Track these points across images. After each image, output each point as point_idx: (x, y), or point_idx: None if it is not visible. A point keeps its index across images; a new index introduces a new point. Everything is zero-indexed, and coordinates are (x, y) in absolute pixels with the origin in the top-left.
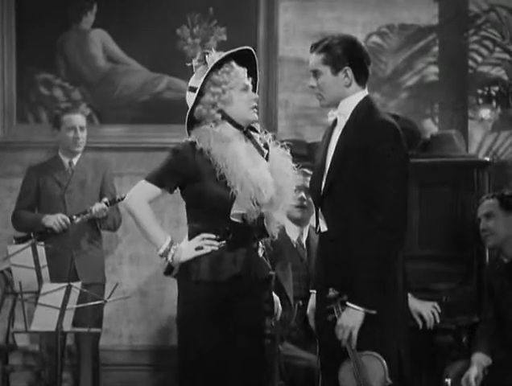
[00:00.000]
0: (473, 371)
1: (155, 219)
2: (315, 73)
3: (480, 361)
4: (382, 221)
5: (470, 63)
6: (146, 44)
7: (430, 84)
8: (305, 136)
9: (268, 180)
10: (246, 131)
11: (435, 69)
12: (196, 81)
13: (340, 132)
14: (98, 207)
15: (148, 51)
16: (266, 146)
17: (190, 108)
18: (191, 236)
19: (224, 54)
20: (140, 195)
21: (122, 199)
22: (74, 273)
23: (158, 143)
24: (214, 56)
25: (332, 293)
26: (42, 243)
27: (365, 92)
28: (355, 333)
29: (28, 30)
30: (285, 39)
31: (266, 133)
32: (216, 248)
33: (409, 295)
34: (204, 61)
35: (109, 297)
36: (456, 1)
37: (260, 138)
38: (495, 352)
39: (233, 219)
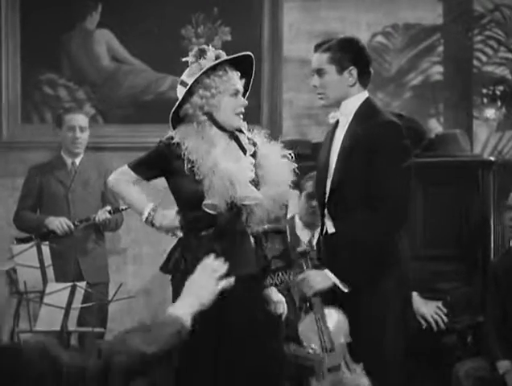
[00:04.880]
0: None
1: (138, 191)
2: (320, 72)
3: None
4: (382, 213)
5: (475, 62)
6: (151, 44)
7: (434, 83)
8: (310, 136)
9: (245, 175)
10: (232, 132)
11: (439, 69)
12: (187, 77)
13: (343, 133)
14: (102, 217)
15: (152, 51)
16: (255, 144)
17: (177, 104)
18: (183, 227)
19: (219, 60)
20: (120, 176)
21: (127, 208)
22: (79, 273)
23: None
24: (211, 55)
25: (301, 247)
26: (46, 242)
27: (365, 94)
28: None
29: (33, 29)
30: (289, 39)
31: (254, 131)
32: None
33: (415, 294)
34: (198, 57)
35: (113, 297)
36: (460, 0)
37: (248, 138)
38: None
39: (205, 209)
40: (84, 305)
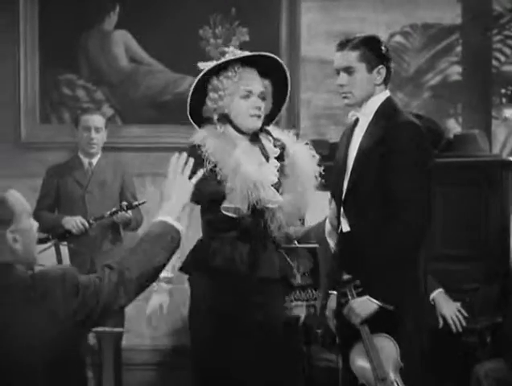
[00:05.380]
0: None
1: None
2: (349, 70)
3: None
4: (405, 218)
5: (493, 62)
6: (169, 45)
7: (453, 83)
8: (327, 136)
9: (267, 179)
10: (254, 135)
11: (458, 69)
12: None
13: (362, 132)
14: (120, 215)
15: (170, 52)
16: (283, 147)
17: (188, 106)
18: (203, 228)
19: (224, 59)
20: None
21: (140, 204)
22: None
23: (181, 143)
24: (228, 57)
25: (345, 276)
26: (65, 242)
27: (387, 93)
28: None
29: (51, 31)
30: (307, 39)
31: (284, 132)
32: None
33: (439, 291)
34: (219, 59)
35: None
36: (479, 0)
37: (276, 139)
38: None
39: (224, 212)
40: None
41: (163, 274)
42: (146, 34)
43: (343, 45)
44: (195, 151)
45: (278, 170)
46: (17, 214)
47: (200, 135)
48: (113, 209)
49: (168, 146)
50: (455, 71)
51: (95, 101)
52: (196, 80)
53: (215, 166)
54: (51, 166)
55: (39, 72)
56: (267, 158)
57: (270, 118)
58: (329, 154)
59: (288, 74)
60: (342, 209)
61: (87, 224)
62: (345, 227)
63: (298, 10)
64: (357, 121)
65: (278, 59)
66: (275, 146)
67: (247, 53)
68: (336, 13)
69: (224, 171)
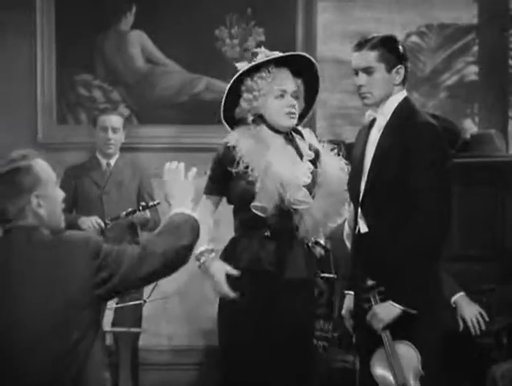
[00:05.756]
0: None
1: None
2: (368, 70)
3: None
4: (421, 219)
5: (510, 62)
6: (185, 45)
7: (469, 83)
8: (343, 136)
9: (298, 179)
10: (288, 134)
11: (474, 69)
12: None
13: (380, 132)
14: (138, 215)
15: (187, 52)
16: (317, 153)
17: (222, 108)
18: (234, 227)
19: (259, 61)
20: (202, 212)
21: (154, 205)
22: None
23: (197, 144)
24: (261, 57)
25: (369, 282)
26: None
27: (404, 93)
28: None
29: (68, 31)
30: (323, 40)
31: (321, 141)
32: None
33: (461, 295)
34: (250, 60)
35: (148, 297)
36: (495, 0)
37: (310, 144)
38: None
39: (253, 210)
40: (120, 305)
41: (201, 248)
42: (163, 35)
43: (361, 45)
44: (228, 152)
45: (311, 173)
46: (43, 181)
47: (233, 136)
48: (129, 209)
49: (185, 147)
50: (471, 71)
51: (111, 102)
52: (231, 82)
53: (247, 167)
54: (69, 166)
55: (55, 73)
56: (301, 157)
57: (301, 117)
58: (346, 155)
59: (319, 72)
60: (360, 210)
61: (103, 224)
62: (363, 227)
63: (314, 10)
64: (373, 121)
65: (311, 58)
66: (310, 149)
67: (279, 54)
68: (351, 13)
69: (255, 172)
